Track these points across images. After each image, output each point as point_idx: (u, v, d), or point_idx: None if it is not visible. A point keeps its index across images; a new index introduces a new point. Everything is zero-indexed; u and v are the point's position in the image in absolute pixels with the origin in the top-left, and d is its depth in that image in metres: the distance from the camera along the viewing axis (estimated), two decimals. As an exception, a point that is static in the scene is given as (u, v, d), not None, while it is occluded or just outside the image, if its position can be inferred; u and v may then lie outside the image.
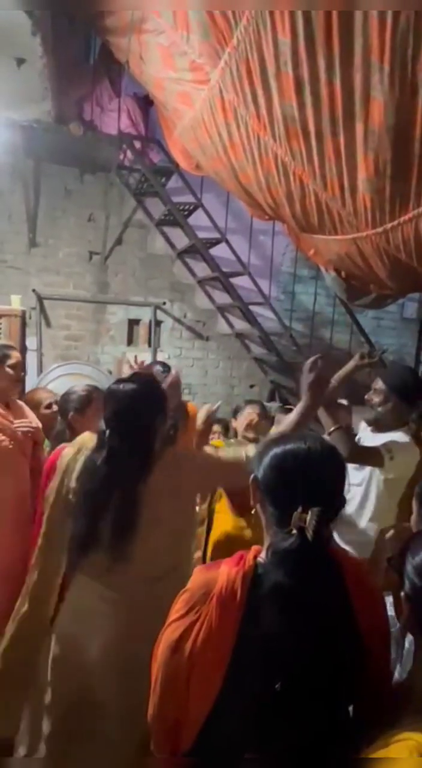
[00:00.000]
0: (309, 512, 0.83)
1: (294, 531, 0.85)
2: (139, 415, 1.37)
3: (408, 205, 1.94)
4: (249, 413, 2.45)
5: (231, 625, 0.87)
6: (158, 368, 2.54)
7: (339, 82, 1.61)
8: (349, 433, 1.91)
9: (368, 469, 2.01)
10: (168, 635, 0.92)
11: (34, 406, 2.39)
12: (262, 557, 0.93)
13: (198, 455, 1.53)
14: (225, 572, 0.91)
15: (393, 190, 1.89)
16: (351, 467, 1.99)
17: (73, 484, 1.40)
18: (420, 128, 1.59)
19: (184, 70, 2.26)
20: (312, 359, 1.55)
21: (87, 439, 1.49)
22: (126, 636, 1.28)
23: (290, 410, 3.59)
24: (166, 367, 2.70)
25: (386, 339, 5.20)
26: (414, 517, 1.31)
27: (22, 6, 2.47)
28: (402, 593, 0.78)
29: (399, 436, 1.99)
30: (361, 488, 2.04)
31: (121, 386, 1.41)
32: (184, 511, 1.41)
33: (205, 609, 0.89)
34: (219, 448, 1.95)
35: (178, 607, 0.93)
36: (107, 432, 1.37)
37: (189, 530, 1.48)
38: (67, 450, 1.51)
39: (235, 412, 2.55)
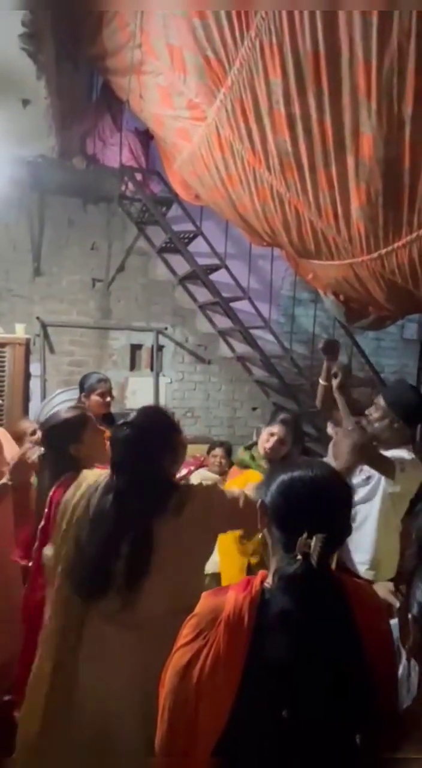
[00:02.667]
0: (314, 538, 0.84)
1: (299, 557, 0.86)
2: (145, 457, 1.31)
3: (401, 231, 2.00)
4: (272, 431, 2.14)
5: (240, 651, 0.87)
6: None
7: (329, 119, 1.69)
8: (366, 431, 1.93)
9: (373, 483, 2.02)
10: (175, 661, 0.92)
11: (18, 437, 2.36)
12: (269, 582, 0.93)
13: (214, 493, 1.42)
14: (233, 597, 0.91)
15: (386, 218, 1.94)
16: (356, 483, 2.01)
17: (77, 526, 1.34)
18: (409, 159, 1.66)
19: (182, 108, 2.36)
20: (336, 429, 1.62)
21: (88, 476, 1.43)
22: (146, 674, 1.20)
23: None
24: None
25: (387, 360, 5.23)
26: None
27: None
28: (410, 616, 0.78)
29: (405, 453, 2.01)
30: (366, 504, 2.04)
31: (124, 429, 1.35)
32: (199, 548, 1.34)
33: (213, 634, 0.89)
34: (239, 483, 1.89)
35: (185, 633, 0.93)
36: (114, 476, 1.33)
37: (203, 564, 1.39)
38: (69, 493, 1.43)
39: (270, 421, 2.24)
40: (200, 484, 1.42)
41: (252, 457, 2.24)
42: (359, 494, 2.04)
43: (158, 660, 1.16)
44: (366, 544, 2.02)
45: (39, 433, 2.24)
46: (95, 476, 1.42)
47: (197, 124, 2.32)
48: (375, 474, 2.01)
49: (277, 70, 1.68)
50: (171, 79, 2.26)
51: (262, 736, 0.87)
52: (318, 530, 0.85)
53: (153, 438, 1.34)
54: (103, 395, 2.77)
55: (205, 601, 0.96)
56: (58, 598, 1.36)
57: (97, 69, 3.48)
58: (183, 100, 2.27)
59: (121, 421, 1.40)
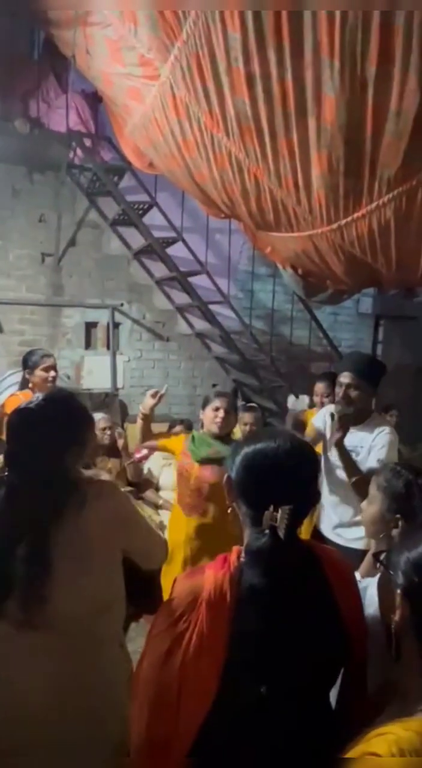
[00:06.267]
0: (280, 511, 0.83)
1: (267, 530, 0.84)
2: (43, 449, 1.15)
3: (361, 201, 1.97)
4: (217, 405, 2.29)
5: (223, 629, 0.85)
6: None
7: (291, 78, 1.61)
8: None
9: (361, 458, 2.05)
10: (155, 648, 0.88)
11: None
12: (243, 557, 0.92)
13: (123, 499, 1.26)
14: (212, 576, 0.89)
15: (347, 187, 1.91)
16: (338, 470, 2.07)
17: None
18: (371, 125, 1.62)
19: (133, 65, 2.21)
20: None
21: None
22: (60, 676, 1.12)
23: (253, 408, 3.62)
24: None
25: (343, 334, 5.31)
26: (375, 509, 1.30)
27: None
28: (398, 591, 0.77)
29: (387, 427, 2.09)
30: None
31: (21, 414, 1.18)
32: (105, 549, 1.18)
33: (194, 616, 0.87)
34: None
35: (161, 619, 0.90)
36: (6, 468, 1.17)
37: (114, 565, 1.23)
38: None
39: (204, 404, 2.39)
40: (109, 484, 1.29)
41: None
42: (342, 476, 2.07)
43: (76, 662, 1.11)
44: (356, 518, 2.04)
45: None
46: None
47: (150, 83, 2.18)
48: (362, 449, 2.07)
49: (236, 24, 1.57)
50: (121, 31, 2.10)
51: (247, 713, 0.86)
52: (284, 502, 0.84)
53: (55, 428, 1.17)
54: (47, 369, 2.71)
55: (181, 584, 0.93)
56: None
57: (38, 22, 3.21)
58: (134, 55, 2.12)
59: (22, 405, 1.24)
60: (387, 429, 2.09)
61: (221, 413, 2.25)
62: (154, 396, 2.33)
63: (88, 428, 1.28)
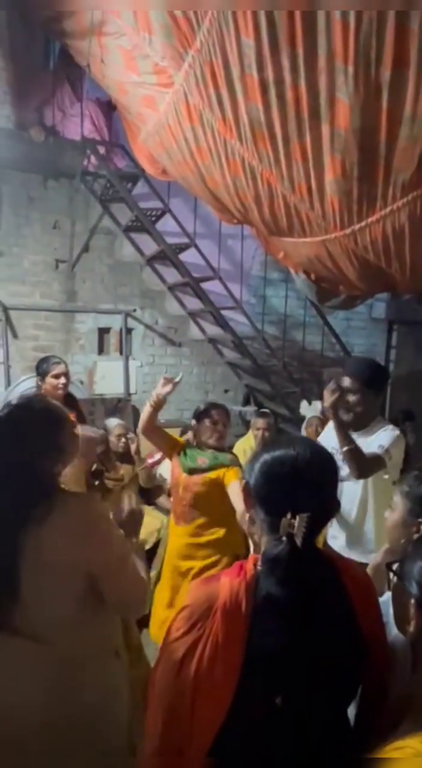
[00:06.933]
0: (298, 518, 0.82)
1: (284, 538, 0.83)
2: (15, 454, 1.12)
3: (375, 205, 1.96)
4: (216, 419, 2.22)
5: (239, 638, 0.84)
6: None
7: (304, 84, 1.61)
8: (360, 451, 1.91)
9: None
10: (169, 656, 0.87)
11: None
12: (260, 565, 0.91)
13: (99, 518, 1.17)
14: (228, 584, 0.88)
15: (361, 192, 1.90)
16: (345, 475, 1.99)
17: None
18: (386, 129, 1.61)
19: (147, 74, 2.23)
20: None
21: None
22: (45, 683, 1.11)
23: (266, 413, 3.59)
24: None
25: (356, 339, 5.28)
26: (398, 515, 1.30)
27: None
28: (413, 601, 0.76)
29: (390, 429, 2.03)
30: (358, 492, 2.02)
31: None
32: (65, 566, 1.11)
33: (209, 624, 0.86)
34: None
35: (176, 626, 0.89)
36: None
37: (86, 591, 1.16)
38: None
39: (197, 417, 2.28)
40: (88, 497, 1.23)
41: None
42: (351, 488, 2.02)
43: (63, 670, 1.08)
44: (369, 534, 2.01)
45: None
46: None
47: (164, 90, 2.20)
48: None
49: (250, 31, 1.58)
50: (135, 40, 2.12)
51: (264, 723, 0.85)
52: (302, 510, 0.83)
53: (29, 432, 1.14)
54: (58, 377, 2.75)
55: (197, 591, 0.92)
56: None
57: (53, 32, 3.26)
58: (148, 63, 2.14)
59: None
60: (390, 426, 2.05)
61: (220, 427, 2.21)
62: (166, 382, 2.13)
63: (64, 433, 1.22)
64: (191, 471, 2.21)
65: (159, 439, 2.30)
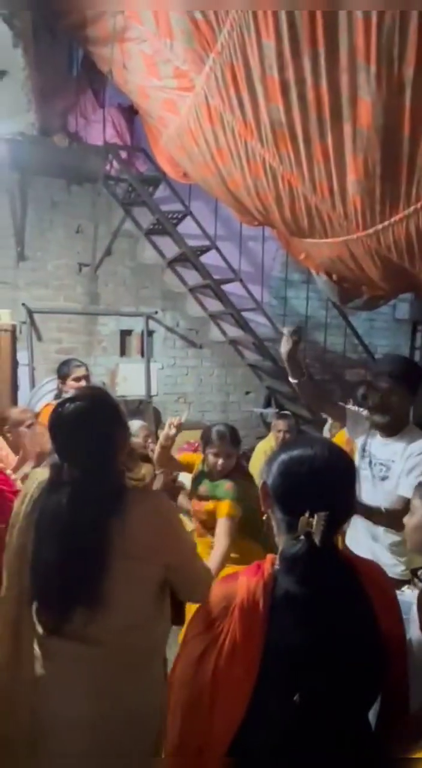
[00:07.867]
0: (316, 517, 0.82)
1: (302, 537, 0.84)
2: (98, 434, 1.11)
3: (398, 205, 1.93)
4: (216, 451, 2.13)
5: (257, 637, 0.85)
6: None
7: (326, 84, 1.60)
8: (316, 382, 1.84)
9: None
10: (188, 652, 0.89)
11: (15, 426, 2.29)
12: (277, 564, 0.91)
13: (169, 513, 1.19)
14: (245, 583, 0.89)
15: (384, 191, 1.87)
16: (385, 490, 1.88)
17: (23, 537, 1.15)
18: (409, 127, 1.58)
19: (169, 78, 2.24)
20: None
21: (38, 474, 1.22)
22: (98, 690, 1.11)
23: (286, 415, 3.56)
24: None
25: (379, 340, 5.20)
26: (418, 518, 1.27)
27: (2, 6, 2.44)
28: None
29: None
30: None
31: (67, 405, 1.12)
32: (143, 561, 1.13)
33: (227, 622, 0.87)
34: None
35: (195, 624, 0.91)
36: (64, 465, 1.11)
37: (160, 585, 1.18)
38: (18, 499, 1.22)
39: (204, 442, 2.18)
40: (156, 492, 1.26)
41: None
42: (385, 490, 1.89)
43: (114, 671, 1.10)
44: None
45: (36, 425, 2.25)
46: (43, 475, 1.19)
47: (185, 94, 2.21)
48: (394, 462, 1.87)
49: (270, 32, 1.58)
50: (156, 45, 2.14)
51: (282, 722, 0.85)
52: (320, 509, 0.83)
53: (108, 418, 1.13)
54: (78, 379, 2.81)
55: (215, 590, 0.93)
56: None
57: (77, 39, 3.32)
58: (169, 68, 2.15)
59: (60, 399, 1.18)
60: (419, 432, 1.90)
61: (220, 461, 2.11)
62: (173, 425, 2.19)
63: (127, 425, 1.24)
64: (197, 497, 2.21)
65: (177, 467, 2.44)
